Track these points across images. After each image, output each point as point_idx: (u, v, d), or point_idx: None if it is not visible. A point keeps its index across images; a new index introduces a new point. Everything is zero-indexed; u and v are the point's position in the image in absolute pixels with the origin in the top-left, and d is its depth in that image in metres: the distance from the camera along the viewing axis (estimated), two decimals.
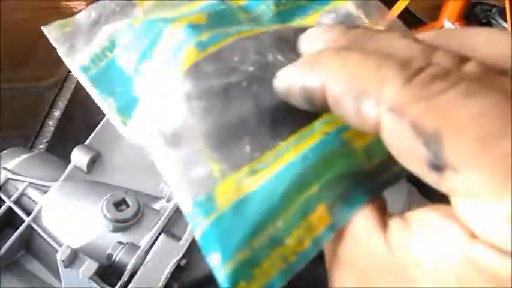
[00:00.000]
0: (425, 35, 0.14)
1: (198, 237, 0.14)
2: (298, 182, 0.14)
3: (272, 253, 0.13)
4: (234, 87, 0.16)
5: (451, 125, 0.10)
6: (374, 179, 0.15)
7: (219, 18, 0.20)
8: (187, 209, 0.15)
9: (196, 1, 0.22)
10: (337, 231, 0.14)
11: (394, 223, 0.12)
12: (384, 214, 0.13)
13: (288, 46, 0.17)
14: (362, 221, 0.13)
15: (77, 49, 0.21)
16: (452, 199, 0.11)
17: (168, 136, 0.16)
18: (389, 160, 0.15)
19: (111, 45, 0.21)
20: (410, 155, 0.11)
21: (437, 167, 0.11)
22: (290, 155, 0.15)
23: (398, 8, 1.34)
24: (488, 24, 1.53)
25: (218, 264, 0.13)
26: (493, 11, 1.52)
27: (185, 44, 0.17)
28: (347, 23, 0.20)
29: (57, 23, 0.22)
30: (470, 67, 0.12)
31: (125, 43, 0.21)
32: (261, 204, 0.14)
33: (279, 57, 0.17)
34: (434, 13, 1.43)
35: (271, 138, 0.15)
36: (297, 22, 0.21)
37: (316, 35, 0.15)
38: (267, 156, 0.15)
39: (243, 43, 0.17)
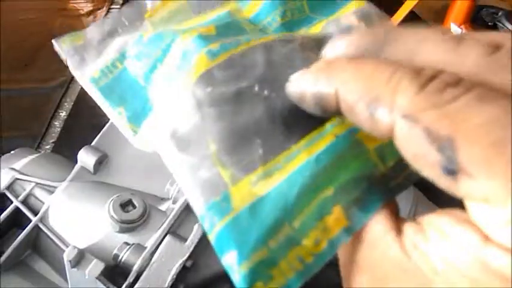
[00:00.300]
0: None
1: (212, 238, 0.14)
2: (312, 184, 0.14)
3: (289, 253, 0.13)
4: (245, 92, 0.16)
5: (464, 131, 0.11)
6: (388, 182, 0.15)
7: (227, 29, 0.20)
8: (201, 211, 0.15)
9: (204, 15, 0.23)
10: (352, 236, 0.14)
11: (408, 228, 0.13)
12: (397, 218, 0.14)
13: (297, 51, 0.17)
14: (377, 226, 0.13)
15: (87, 62, 0.22)
16: (466, 202, 0.11)
17: (180, 141, 0.16)
18: (403, 163, 0.15)
19: (121, 57, 0.22)
20: (424, 160, 0.12)
21: (451, 171, 0.11)
22: (302, 157, 0.15)
23: (404, 10, 1.33)
24: (495, 27, 1.52)
25: (234, 264, 0.13)
26: (500, 13, 1.52)
27: (196, 53, 0.18)
28: (349, 31, 0.20)
29: (68, 36, 0.22)
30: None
31: (135, 54, 0.21)
32: (277, 204, 0.14)
33: (289, 62, 0.17)
34: (440, 16, 1.43)
35: (283, 141, 0.15)
36: (303, 31, 0.22)
37: (338, 44, 0.15)
38: (280, 159, 0.15)
39: (253, 50, 0.17)
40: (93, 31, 0.23)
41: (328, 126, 0.15)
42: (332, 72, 0.14)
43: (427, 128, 0.11)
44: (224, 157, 0.15)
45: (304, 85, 0.15)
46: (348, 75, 0.13)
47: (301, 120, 0.16)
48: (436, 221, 0.12)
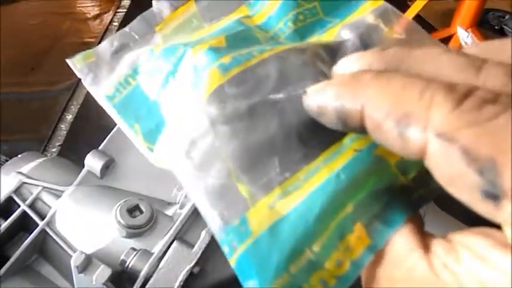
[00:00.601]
0: (466, 49, 0.14)
1: (233, 263, 0.14)
2: (332, 202, 0.14)
3: (311, 277, 0.13)
4: (259, 108, 0.16)
5: (507, 151, 0.10)
6: (410, 195, 0.14)
7: (238, 40, 0.19)
8: (220, 234, 0.14)
9: (215, 23, 0.22)
10: (376, 253, 0.13)
11: (437, 246, 0.12)
12: (422, 233, 0.13)
13: (310, 63, 0.17)
14: (402, 242, 0.13)
15: (100, 79, 0.22)
16: (508, 230, 0.11)
17: (195, 160, 0.16)
18: (425, 175, 0.14)
19: (134, 73, 0.21)
20: (460, 183, 0.11)
21: (493, 195, 0.10)
22: (322, 174, 0.14)
23: (411, 13, 1.33)
24: (501, 30, 1.52)
25: None
26: (506, 17, 1.51)
27: (207, 67, 0.17)
28: (367, 34, 0.20)
29: (81, 54, 0.22)
30: None
31: (147, 69, 0.21)
32: (297, 227, 0.14)
33: (303, 74, 0.16)
34: (446, 19, 1.42)
35: (301, 158, 0.15)
36: (316, 38, 0.21)
37: (352, 61, 0.15)
38: (298, 176, 0.14)
39: (265, 62, 0.17)
40: (104, 47, 0.22)
41: (347, 140, 0.15)
42: (357, 86, 0.13)
43: (465, 148, 0.10)
44: (241, 176, 0.15)
45: (324, 99, 0.14)
46: (374, 90, 0.12)
47: (318, 135, 0.15)
48: (471, 242, 0.11)
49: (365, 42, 0.19)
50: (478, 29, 1.33)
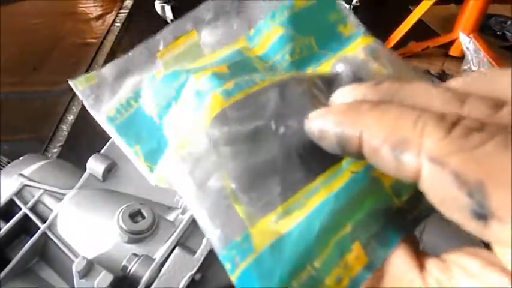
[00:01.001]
0: (452, 83, 0.15)
1: (235, 280, 0.14)
2: (331, 221, 0.14)
3: None
4: (261, 131, 0.17)
5: (494, 176, 0.11)
6: (405, 216, 0.15)
7: (239, 68, 0.20)
8: (222, 250, 0.15)
9: (216, 52, 0.23)
10: (374, 272, 0.14)
11: (432, 265, 0.13)
12: (417, 253, 0.14)
13: (309, 91, 0.18)
14: (399, 262, 0.14)
15: (102, 101, 0.22)
16: (496, 248, 0.11)
17: (198, 179, 0.16)
18: (418, 197, 0.15)
19: (136, 96, 0.22)
20: (452, 204, 0.12)
21: (482, 216, 0.11)
22: (321, 195, 0.15)
23: (413, 18, 1.33)
24: (503, 36, 1.52)
25: None
26: (508, 23, 1.51)
27: (211, 92, 0.18)
28: (358, 69, 0.21)
29: (83, 76, 0.23)
30: (506, 111, 0.12)
31: (148, 94, 0.21)
32: (298, 244, 0.14)
33: (303, 101, 0.17)
34: (448, 24, 1.43)
35: (301, 178, 0.16)
36: (312, 70, 0.22)
37: (348, 91, 0.16)
38: (299, 196, 0.15)
39: (268, 89, 0.18)
40: (106, 70, 0.23)
41: (344, 163, 0.16)
42: (356, 115, 0.14)
43: (455, 172, 0.11)
44: (242, 196, 0.15)
45: (325, 124, 0.15)
46: (372, 119, 0.13)
47: (317, 157, 0.16)
48: (463, 262, 0.12)
49: (357, 76, 0.20)
50: (480, 34, 1.34)
